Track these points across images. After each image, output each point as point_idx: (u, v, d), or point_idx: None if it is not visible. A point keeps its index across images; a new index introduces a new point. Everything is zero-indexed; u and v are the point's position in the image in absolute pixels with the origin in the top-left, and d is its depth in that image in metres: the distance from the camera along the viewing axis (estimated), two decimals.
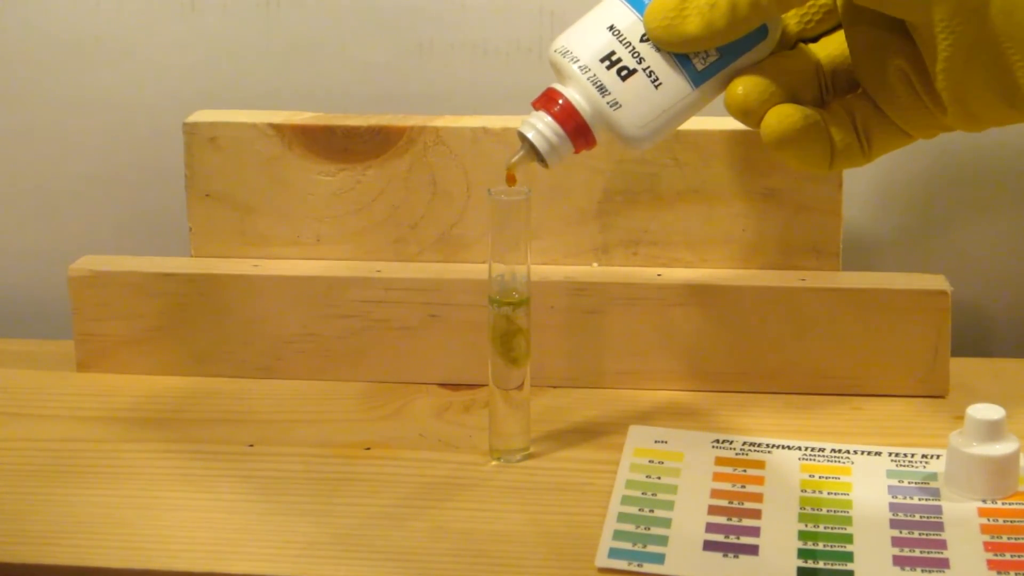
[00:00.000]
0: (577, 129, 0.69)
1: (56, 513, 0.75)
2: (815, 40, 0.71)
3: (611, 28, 0.68)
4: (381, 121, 0.91)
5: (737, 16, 0.65)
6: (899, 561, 0.70)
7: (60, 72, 1.00)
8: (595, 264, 0.90)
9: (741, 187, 0.89)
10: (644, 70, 0.68)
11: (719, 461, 0.79)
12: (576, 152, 0.70)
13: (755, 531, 0.72)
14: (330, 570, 0.70)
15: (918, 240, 0.98)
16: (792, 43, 0.70)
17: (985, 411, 0.75)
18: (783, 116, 0.67)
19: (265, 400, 0.88)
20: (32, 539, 0.73)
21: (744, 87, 0.67)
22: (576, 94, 0.69)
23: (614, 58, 0.68)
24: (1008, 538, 0.71)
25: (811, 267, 0.89)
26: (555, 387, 0.89)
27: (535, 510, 0.75)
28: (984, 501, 0.74)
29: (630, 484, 0.77)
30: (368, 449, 0.82)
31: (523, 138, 0.70)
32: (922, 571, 0.69)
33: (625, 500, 0.75)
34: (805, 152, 0.67)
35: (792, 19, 0.70)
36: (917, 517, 0.73)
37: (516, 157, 0.71)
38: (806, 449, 0.80)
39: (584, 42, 0.69)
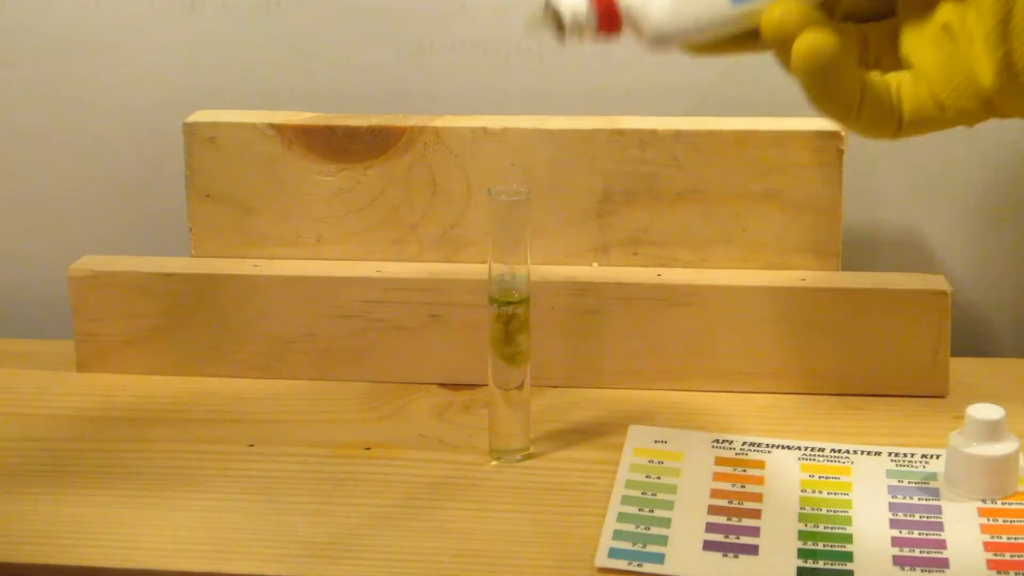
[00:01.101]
0: (606, 7, 0.66)
1: (56, 513, 0.75)
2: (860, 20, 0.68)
3: None
4: (381, 121, 0.91)
5: None
6: (899, 561, 0.70)
7: (60, 72, 1.00)
8: (595, 264, 0.90)
9: (741, 187, 0.89)
10: None
11: (719, 461, 0.79)
12: (597, 33, 0.67)
13: (755, 531, 0.72)
14: (330, 570, 0.70)
15: (918, 240, 0.98)
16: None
17: (985, 411, 0.75)
18: (818, 38, 0.63)
19: (265, 400, 0.88)
20: (32, 539, 0.73)
21: (783, 9, 0.64)
22: None
23: None
24: (1008, 538, 0.71)
25: (811, 267, 0.89)
26: (555, 387, 0.89)
27: (535, 510, 0.75)
28: (984, 501, 0.74)
29: (630, 484, 0.77)
30: (368, 449, 0.82)
31: (547, 3, 0.66)
32: (922, 571, 0.69)
33: (625, 500, 0.75)
34: (834, 86, 0.63)
35: None
36: (917, 517, 0.73)
37: (536, 17, 0.67)
38: (806, 449, 0.80)
39: None
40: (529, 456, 0.81)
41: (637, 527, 0.73)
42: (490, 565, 0.70)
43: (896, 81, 0.65)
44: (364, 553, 0.71)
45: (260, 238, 0.92)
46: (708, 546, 0.71)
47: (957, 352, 0.89)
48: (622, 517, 0.73)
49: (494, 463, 0.80)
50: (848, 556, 0.70)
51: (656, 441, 0.81)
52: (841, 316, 0.86)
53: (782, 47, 0.64)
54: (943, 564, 0.69)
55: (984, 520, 0.73)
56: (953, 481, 0.75)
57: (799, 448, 0.80)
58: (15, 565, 0.71)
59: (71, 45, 1.00)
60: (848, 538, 0.72)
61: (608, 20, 0.67)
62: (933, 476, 0.77)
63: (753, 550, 0.71)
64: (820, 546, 0.71)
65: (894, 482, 0.77)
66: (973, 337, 0.99)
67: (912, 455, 0.79)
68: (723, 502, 0.75)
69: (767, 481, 0.77)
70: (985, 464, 0.74)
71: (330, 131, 0.90)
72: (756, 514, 0.74)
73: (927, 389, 0.87)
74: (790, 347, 0.87)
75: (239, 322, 0.90)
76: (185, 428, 0.85)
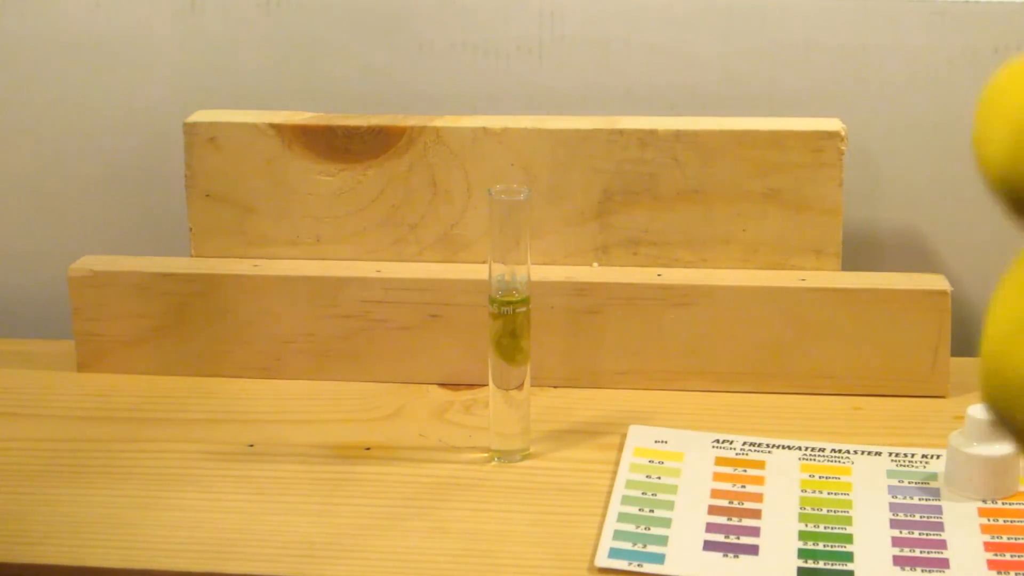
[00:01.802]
0: None
1: (56, 513, 0.75)
2: None
3: None
4: (381, 121, 0.91)
5: None
6: (899, 561, 0.70)
7: (60, 72, 1.00)
8: (595, 264, 0.90)
9: (741, 187, 0.89)
10: None
11: (719, 461, 0.79)
12: None
13: (755, 531, 0.72)
14: (330, 570, 0.70)
15: (918, 240, 0.98)
16: None
17: (985, 411, 0.74)
18: None
19: (265, 400, 0.88)
20: (32, 539, 0.73)
21: None
22: None
23: None
24: (1008, 538, 0.71)
25: (811, 267, 0.89)
26: (555, 387, 0.88)
27: (535, 510, 0.75)
28: (984, 501, 0.74)
29: (630, 484, 0.77)
30: (368, 449, 0.82)
31: None
32: (922, 571, 0.69)
33: (625, 500, 0.75)
34: None
35: None
36: (917, 517, 0.73)
37: None
38: (806, 449, 0.80)
39: None
40: (529, 456, 0.81)
41: (637, 527, 0.72)
42: (490, 565, 0.70)
43: None
44: (364, 553, 0.71)
45: (260, 238, 0.92)
46: (708, 546, 0.71)
47: (957, 352, 0.89)
48: (622, 517, 0.73)
49: (494, 463, 0.80)
50: (848, 556, 0.70)
51: (656, 441, 0.81)
52: (841, 316, 0.86)
53: None
54: (943, 564, 0.69)
55: (984, 520, 0.73)
56: (953, 481, 0.75)
57: (799, 448, 0.80)
58: (15, 565, 0.71)
59: (71, 45, 1.00)
60: (848, 538, 0.72)
61: None
62: (933, 476, 0.77)
63: (753, 550, 0.71)
64: (820, 546, 0.71)
65: (894, 482, 0.77)
66: (973, 337, 0.99)
67: (912, 455, 0.79)
68: (723, 502, 0.75)
69: (767, 481, 0.77)
70: (985, 464, 0.74)
71: (330, 131, 0.90)
72: (756, 514, 0.74)
73: (927, 389, 0.87)
74: (790, 347, 0.87)
75: (239, 322, 0.90)
76: (185, 428, 0.85)
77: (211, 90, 0.99)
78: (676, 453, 0.80)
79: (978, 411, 0.75)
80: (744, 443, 0.81)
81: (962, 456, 0.75)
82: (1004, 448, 0.74)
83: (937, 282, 0.87)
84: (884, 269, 0.93)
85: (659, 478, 0.77)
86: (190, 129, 0.91)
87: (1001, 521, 0.73)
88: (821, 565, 0.69)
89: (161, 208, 1.01)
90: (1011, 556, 0.70)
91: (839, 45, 0.94)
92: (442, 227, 0.91)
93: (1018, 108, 0.44)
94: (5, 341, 0.99)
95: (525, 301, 0.78)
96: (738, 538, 0.72)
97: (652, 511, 0.74)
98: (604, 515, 0.74)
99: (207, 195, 0.92)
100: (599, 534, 0.72)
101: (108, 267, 0.91)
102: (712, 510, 0.74)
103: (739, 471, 0.78)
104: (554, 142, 0.89)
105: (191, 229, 0.93)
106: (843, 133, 0.87)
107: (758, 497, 0.75)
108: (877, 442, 0.81)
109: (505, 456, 0.80)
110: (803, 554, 0.70)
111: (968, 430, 0.75)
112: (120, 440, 0.83)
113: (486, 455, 0.81)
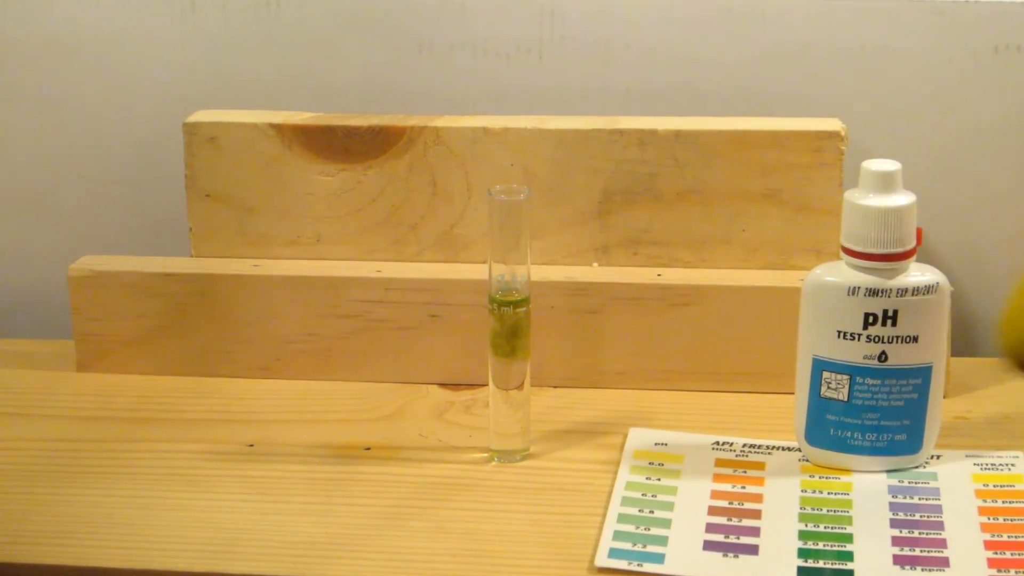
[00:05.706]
0: None
1: (56, 513, 0.75)
2: None
3: None
4: (381, 121, 0.91)
5: None
6: (899, 560, 0.70)
7: (60, 72, 1.00)
8: (595, 264, 0.90)
9: (741, 187, 0.89)
10: None
11: (719, 463, 0.79)
12: None
13: (755, 531, 0.72)
14: (330, 570, 0.70)
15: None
16: None
17: (881, 164, 0.75)
18: None
19: (265, 400, 0.88)
20: (32, 539, 0.73)
21: None
22: None
23: None
24: (1008, 536, 0.71)
25: (811, 267, 0.89)
26: (555, 387, 0.89)
27: (535, 510, 0.75)
28: (985, 500, 0.74)
29: (630, 486, 0.77)
30: (368, 449, 0.82)
31: None
32: (922, 570, 0.69)
33: (625, 501, 0.75)
34: None
35: None
36: (917, 516, 0.73)
37: None
38: None
39: None
40: (529, 456, 0.81)
41: (637, 527, 0.73)
42: (490, 565, 0.70)
43: None
44: (364, 553, 0.71)
45: (260, 238, 0.92)
46: (708, 546, 0.71)
47: (957, 352, 0.89)
48: (622, 518, 0.73)
49: (494, 463, 0.80)
50: (848, 556, 0.70)
51: (656, 444, 0.81)
52: None
53: None
54: (943, 563, 0.69)
55: (984, 519, 0.73)
56: (850, 237, 0.75)
57: (799, 449, 0.80)
58: (15, 565, 0.71)
59: (71, 45, 1.00)
60: (848, 538, 0.72)
61: None
62: (933, 476, 0.77)
63: (753, 550, 0.71)
64: (820, 546, 0.71)
65: (894, 481, 0.77)
66: (973, 337, 0.99)
67: None
68: (723, 503, 0.75)
69: (767, 482, 0.77)
70: (881, 216, 0.74)
71: (330, 131, 0.90)
72: (756, 515, 0.74)
73: None
74: (790, 347, 0.87)
75: (239, 322, 0.90)
76: (185, 428, 0.85)
77: (211, 90, 0.99)
78: (676, 455, 0.80)
79: (873, 164, 0.75)
80: (744, 445, 0.81)
81: (857, 208, 0.75)
82: (900, 200, 0.75)
83: None
84: None
85: (659, 480, 0.77)
86: (190, 129, 0.91)
87: (1001, 520, 0.73)
88: (821, 565, 0.69)
89: (161, 208, 1.01)
90: (1011, 555, 0.70)
91: (839, 45, 0.94)
92: (442, 227, 0.91)
93: None
94: (5, 341, 0.99)
95: (525, 301, 0.78)
96: (738, 538, 0.72)
97: (652, 512, 0.74)
98: (604, 515, 0.74)
99: (207, 195, 0.92)
100: (599, 534, 0.72)
101: (108, 267, 0.91)
102: (712, 511, 0.74)
103: (739, 472, 0.78)
104: (554, 142, 0.89)
105: (191, 229, 0.93)
106: (843, 133, 0.87)
107: (758, 498, 0.75)
108: None
109: (505, 456, 0.80)
110: (803, 554, 0.70)
111: (864, 183, 0.75)
112: (120, 440, 0.83)
113: (486, 455, 0.81)
